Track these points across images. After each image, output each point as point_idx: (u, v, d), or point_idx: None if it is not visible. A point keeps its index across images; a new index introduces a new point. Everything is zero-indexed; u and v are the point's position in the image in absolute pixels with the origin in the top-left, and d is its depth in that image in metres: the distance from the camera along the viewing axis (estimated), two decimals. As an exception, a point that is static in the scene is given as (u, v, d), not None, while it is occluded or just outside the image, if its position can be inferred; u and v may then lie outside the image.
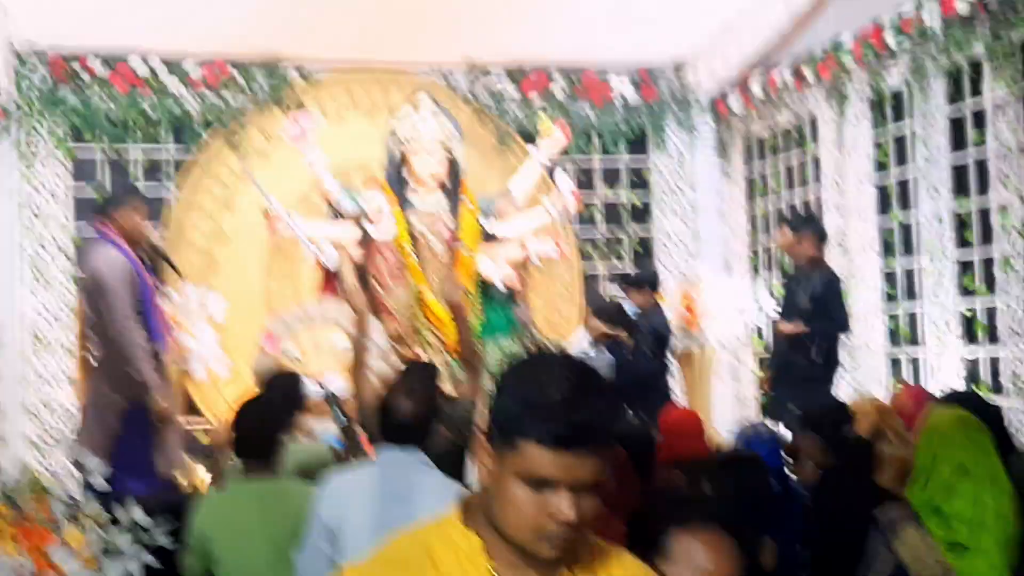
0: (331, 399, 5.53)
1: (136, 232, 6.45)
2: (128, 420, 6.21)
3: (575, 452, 1.82)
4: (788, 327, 7.58)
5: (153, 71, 8.86)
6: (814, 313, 7.54)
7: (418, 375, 4.51)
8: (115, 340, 6.15)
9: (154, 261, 6.62)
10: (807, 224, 7.91)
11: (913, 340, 8.05)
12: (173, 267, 6.89)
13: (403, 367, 5.87)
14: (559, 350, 1.96)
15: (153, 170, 9.14)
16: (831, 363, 7.62)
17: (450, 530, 1.95)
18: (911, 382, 7.95)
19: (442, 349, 7.72)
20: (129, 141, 9.02)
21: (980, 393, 6.99)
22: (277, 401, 4.86)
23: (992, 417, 4.54)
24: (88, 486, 4.86)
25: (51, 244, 8.72)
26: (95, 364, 6.34)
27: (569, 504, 1.82)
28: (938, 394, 7.12)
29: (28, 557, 4.30)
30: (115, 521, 4.43)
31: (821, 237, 7.70)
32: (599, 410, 1.84)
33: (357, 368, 5.36)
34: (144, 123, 8.99)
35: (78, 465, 5.09)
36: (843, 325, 7.69)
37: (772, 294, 9.14)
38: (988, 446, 3.97)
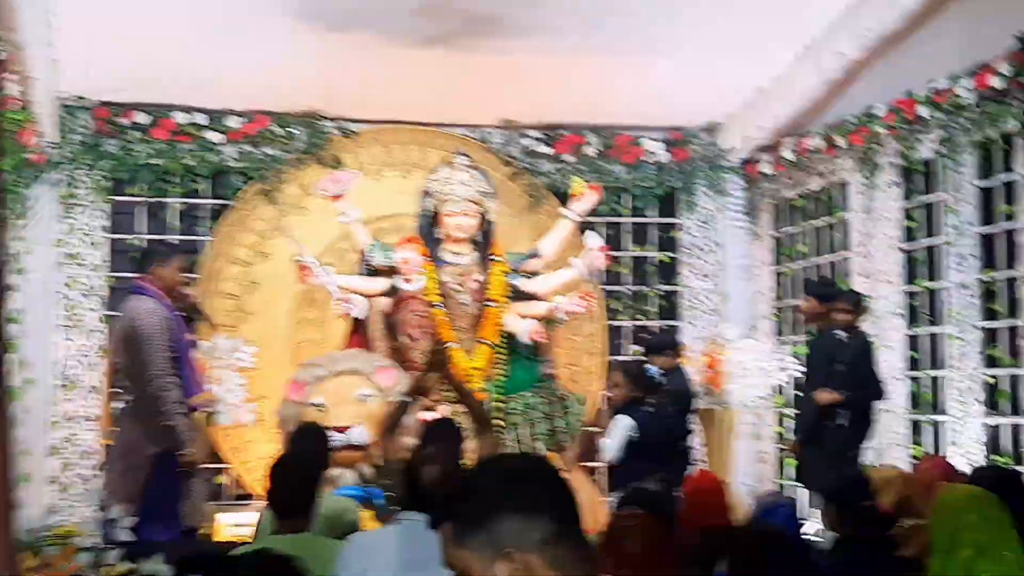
0: (358, 470, 5.58)
1: (175, 287, 6.56)
2: (157, 468, 6.28)
3: None
4: (825, 396, 7.58)
5: (194, 123, 9.01)
6: (848, 380, 7.55)
7: (443, 439, 4.57)
8: (150, 390, 6.23)
9: (190, 314, 6.71)
10: (842, 293, 7.96)
11: (935, 407, 8.05)
12: (207, 320, 6.99)
13: (428, 425, 5.94)
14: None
15: (189, 218, 9.26)
16: (862, 430, 7.62)
17: None
18: (931, 448, 7.95)
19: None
20: (167, 190, 9.15)
21: (1000, 463, 7.01)
22: (310, 457, 4.90)
23: (1014, 489, 4.56)
24: (113, 534, 4.94)
25: (85, 288, 8.84)
26: (126, 412, 6.41)
27: None
28: (960, 462, 7.16)
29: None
30: (138, 572, 4.50)
31: (856, 305, 7.73)
32: None
33: (388, 431, 5.37)
34: (183, 173, 9.12)
35: (103, 511, 5.15)
36: (878, 393, 7.70)
37: (796, 356, 9.15)
38: (1006, 523, 3.99)
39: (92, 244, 8.90)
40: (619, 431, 7.50)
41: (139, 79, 8.54)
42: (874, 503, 5.27)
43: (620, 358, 9.34)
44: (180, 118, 8.97)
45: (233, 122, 9.11)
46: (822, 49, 8.51)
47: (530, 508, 1.84)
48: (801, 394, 8.47)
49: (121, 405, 6.55)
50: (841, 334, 7.72)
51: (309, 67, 8.48)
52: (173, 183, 9.15)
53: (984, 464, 6.96)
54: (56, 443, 8.67)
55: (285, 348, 9.05)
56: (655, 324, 9.93)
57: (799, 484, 8.62)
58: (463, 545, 1.86)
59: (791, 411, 9.37)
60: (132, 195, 9.12)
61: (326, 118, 9.34)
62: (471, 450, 6.11)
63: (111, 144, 8.94)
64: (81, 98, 8.81)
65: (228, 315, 8.96)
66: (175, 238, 8.87)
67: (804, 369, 8.43)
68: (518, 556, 1.80)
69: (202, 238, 9.21)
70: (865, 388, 7.59)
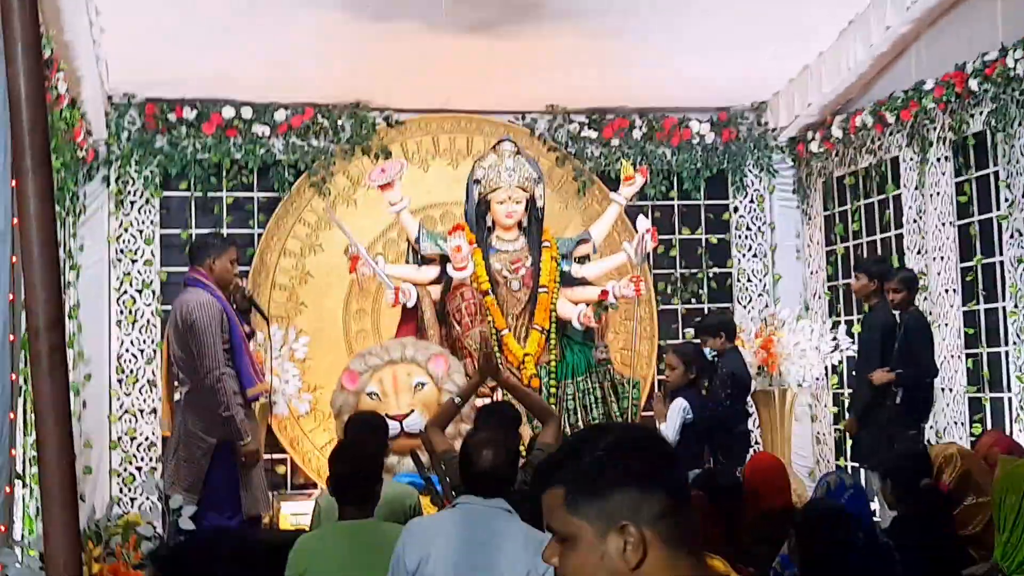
0: (414, 457, 5.60)
1: (229, 279, 6.61)
2: (216, 459, 6.33)
3: None
4: (879, 375, 7.52)
5: (241, 117, 9.06)
6: (901, 358, 7.49)
7: (498, 422, 4.57)
8: (207, 382, 6.29)
9: (244, 306, 6.76)
10: (894, 271, 7.88)
11: (996, 384, 7.96)
12: (261, 312, 7.04)
13: (483, 410, 5.96)
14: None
15: (239, 211, 9.33)
16: (918, 408, 7.56)
17: None
18: (992, 426, 7.85)
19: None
20: (217, 184, 9.22)
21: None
22: (369, 444, 4.93)
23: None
24: (175, 524, 4.99)
25: (139, 282, 8.94)
26: (184, 403, 6.47)
27: None
28: (1021, 438, 7.07)
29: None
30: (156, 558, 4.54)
31: (909, 282, 7.65)
32: None
33: (437, 427, 5.40)
34: (232, 167, 9.19)
35: (165, 502, 5.20)
36: (931, 371, 7.64)
37: (850, 334, 9.09)
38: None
39: (144, 239, 8.99)
40: (675, 414, 7.47)
41: (185, 75, 8.61)
42: (934, 481, 5.23)
43: (673, 342, 9.30)
44: (227, 112, 9.02)
45: (280, 115, 9.15)
46: (868, 23, 8.42)
47: (648, 482, 1.83)
48: (856, 373, 8.40)
49: (178, 397, 6.60)
50: (895, 312, 7.65)
51: (354, 58, 8.51)
52: (222, 177, 9.21)
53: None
54: (116, 436, 8.79)
55: (339, 338, 9.12)
56: (707, 307, 9.89)
57: (855, 463, 8.56)
58: (575, 512, 1.84)
59: (847, 391, 9.30)
60: (182, 190, 9.20)
61: (372, 109, 9.37)
62: (528, 437, 6.15)
63: (160, 140, 9.01)
64: (129, 95, 8.88)
65: (281, 307, 9.04)
66: (227, 231, 8.94)
67: (858, 348, 8.36)
68: (632, 529, 1.79)
69: (253, 231, 9.27)
70: (918, 366, 7.52)
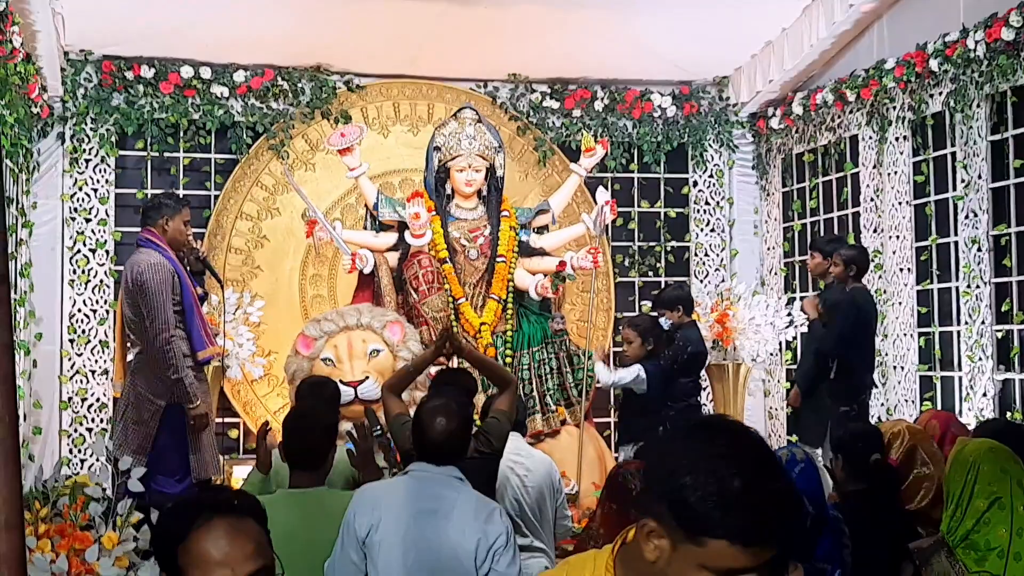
0: (370, 414, 5.55)
1: (182, 240, 6.53)
2: (165, 421, 6.28)
3: (768, 544, 1.80)
4: (808, 303, 7.81)
5: (200, 77, 8.96)
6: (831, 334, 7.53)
7: (453, 390, 4.55)
8: (156, 343, 6.22)
9: (197, 268, 6.69)
10: (833, 245, 7.87)
11: (947, 363, 8.03)
12: (215, 275, 6.96)
13: (438, 377, 5.93)
14: (721, 421, 1.93)
15: (196, 172, 9.23)
16: (848, 385, 7.51)
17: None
18: (942, 404, 7.93)
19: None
20: (174, 145, 9.11)
21: (1016, 420, 6.99)
22: (323, 410, 4.89)
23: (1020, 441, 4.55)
24: (123, 486, 4.94)
25: (93, 241, 8.83)
26: (134, 365, 6.41)
27: None
28: (969, 417, 7.15)
29: (64, 557, 4.39)
30: (149, 522, 4.51)
31: (848, 259, 7.60)
32: (787, 500, 1.81)
33: (393, 393, 5.33)
34: (189, 127, 9.09)
35: (115, 464, 5.15)
36: (825, 343, 7.56)
37: (804, 311, 9.13)
38: (1022, 476, 3.98)
39: (99, 198, 8.88)
40: (631, 371, 7.56)
41: (144, 32, 8.49)
42: (883, 456, 5.27)
43: (629, 314, 9.32)
44: (186, 72, 8.91)
45: (239, 76, 9.06)
46: (832, 1, 8.44)
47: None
48: (803, 349, 8.45)
49: (131, 358, 6.53)
50: (841, 288, 7.64)
51: (316, 21, 8.43)
52: (179, 137, 9.11)
53: (991, 418, 6.91)
54: (67, 396, 8.70)
55: (294, 303, 9.07)
56: (664, 280, 9.91)
57: (792, 436, 8.62)
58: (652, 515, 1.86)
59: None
60: (138, 149, 9.08)
61: (333, 72, 9.29)
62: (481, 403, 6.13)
63: (117, 98, 8.90)
64: (86, 52, 8.75)
65: (237, 270, 8.97)
66: (182, 192, 8.85)
67: (809, 324, 8.40)
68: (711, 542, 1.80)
69: (209, 193, 9.19)
70: (835, 339, 7.47)
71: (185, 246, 6.57)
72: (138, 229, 6.73)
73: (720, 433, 1.87)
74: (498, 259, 8.10)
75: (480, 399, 6.30)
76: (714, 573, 1.80)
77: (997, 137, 7.48)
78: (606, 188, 8.59)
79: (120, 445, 6.16)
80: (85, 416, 8.73)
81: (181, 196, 6.96)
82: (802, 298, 9.43)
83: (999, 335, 7.48)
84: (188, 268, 6.54)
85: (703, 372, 8.49)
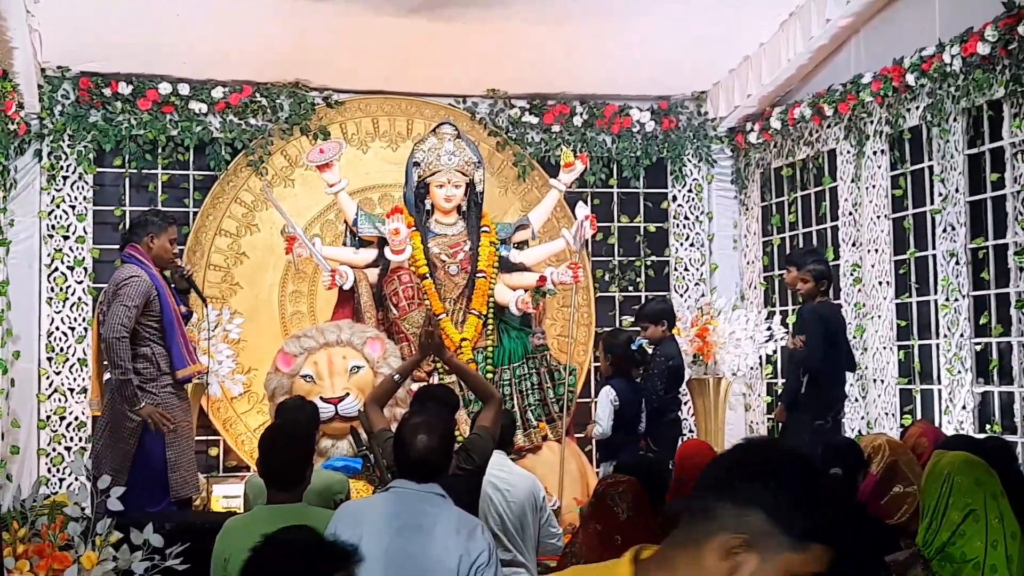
0: (353, 433, 5.54)
1: (167, 258, 6.49)
2: (143, 439, 6.23)
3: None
4: (791, 342, 7.69)
5: (178, 93, 8.93)
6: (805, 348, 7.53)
7: (434, 406, 4.53)
8: (106, 342, 6.13)
9: (182, 286, 6.63)
10: (804, 259, 7.82)
11: (926, 376, 8.06)
12: (199, 293, 6.92)
13: (420, 393, 5.92)
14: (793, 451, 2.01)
15: (175, 189, 9.20)
16: (823, 399, 7.47)
17: None
18: (922, 417, 7.94)
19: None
20: (152, 161, 9.08)
21: (993, 434, 7.01)
22: (302, 429, 4.87)
23: (1002, 457, 4.56)
24: (102, 505, 4.89)
25: (71, 259, 8.79)
26: (112, 383, 6.36)
27: None
28: (949, 430, 7.16)
29: (43, 576, 4.34)
30: (129, 542, 4.47)
31: (818, 274, 7.57)
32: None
33: (376, 406, 5.31)
34: (168, 144, 9.05)
35: (94, 483, 5.11)
36: (807, 361, 7.45)
37: (785, 324, 9.17)
38: (996, 489, 3.98)
39: (77, 216, 8.84)
40: (604, 403, 7.57)
41: (121, 49, 8.46)
42: (864, 471, 5.28)
43: (610, 329, 9.32)
44: (164, 88, 8.89)
45: (218, 92, 9.04)
46: (809, 15, 8.50)
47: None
48: (786, 363, 8.46)
49: (108, 376, 6.47)
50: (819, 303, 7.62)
51: (294, 37, 8.43)
52: (157, 154, 9.07)
53: (958, 434, 6.89)
54: (45, 415, 8.64)
55: (274, 320, 9.05)
56: (644, 295, 9.92)
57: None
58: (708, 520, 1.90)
59: (780, 380, 9.39)
60: (116, 166, 9.05)
61: (311, 88, 9.28)
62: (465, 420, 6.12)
63: (95, 115, 8.86)
64: (63, 68, 8.71)
65: (216, 287, 8.95)
66: (161, 210, 8.81)
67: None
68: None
69: (188, 209, 9.15)
70: (809, 355, 7.47)
71: (170, 264, 6.54)
72: (116, 246, 6.68)
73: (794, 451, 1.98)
74: (478, 274, 8.09)
75: (462, 415, 6.29)
76: None
77: (974, 151, 7.51)
78: (586, 203, 8.59)
79: (100, 464, 6.11)
80: (63, 435, 8.67)
81: (168, 214, 6.90)
82: (782, 312, 9.48)
83: (978, 348, 7.50)
84: (173, 286, 6.49)
85: (683, 387, 8.49)
